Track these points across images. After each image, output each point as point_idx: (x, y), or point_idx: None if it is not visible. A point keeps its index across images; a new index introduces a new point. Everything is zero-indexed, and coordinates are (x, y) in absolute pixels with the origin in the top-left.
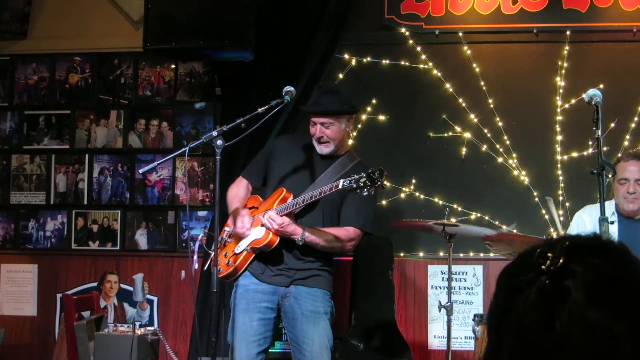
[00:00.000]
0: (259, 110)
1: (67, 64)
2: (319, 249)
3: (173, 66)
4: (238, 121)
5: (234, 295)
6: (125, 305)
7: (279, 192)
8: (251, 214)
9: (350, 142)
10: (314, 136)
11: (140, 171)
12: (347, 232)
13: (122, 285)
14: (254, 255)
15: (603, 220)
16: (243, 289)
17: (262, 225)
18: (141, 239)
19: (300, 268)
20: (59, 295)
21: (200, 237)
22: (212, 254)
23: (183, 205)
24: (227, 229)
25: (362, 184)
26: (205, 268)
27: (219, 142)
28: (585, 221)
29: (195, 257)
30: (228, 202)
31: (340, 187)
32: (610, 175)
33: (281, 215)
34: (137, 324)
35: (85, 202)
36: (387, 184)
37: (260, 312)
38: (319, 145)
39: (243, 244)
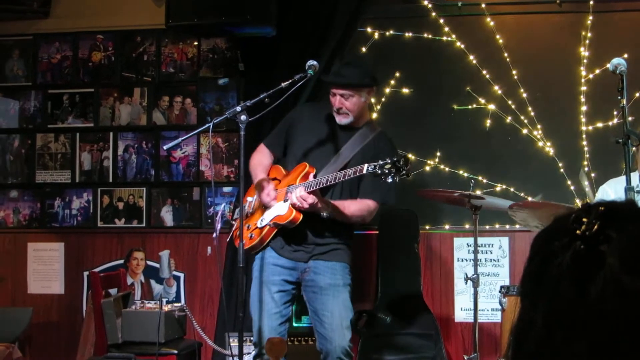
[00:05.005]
0: (282, 84)
1: (90, 42)
2: (340, 221)
3: (196, 43)
4: (261, 96)
5: (254, 267)
6: (152, 282)
7: (301, 167)
8: (274, 187)
9: (375, 115)
10: (334, 106)
11: (165, 147)
12: (367, 205)
13: (149, 262)
14: (276, 230)
15: (629, 189)
16: (263, 262)
17: (286, 201)
18: (167, 215)
19: (319, 243)
20: (85, 273)
21: (220, 213)
22: (235, 225)
23: (208, 181)
24: (249, 198)
25: (386, 171)
26: (228, 240)
27: (243, 117)
28: (609, 194)
29: (218, 226)
30: (252, 170)
31: (364, 171)
32: (635, 145)
33: (308, 193)
34: (164, 300)
35: (111, 180)
36: (409, 176)
37: (279, 285)
38: (338, 116)
39: (266, 218)
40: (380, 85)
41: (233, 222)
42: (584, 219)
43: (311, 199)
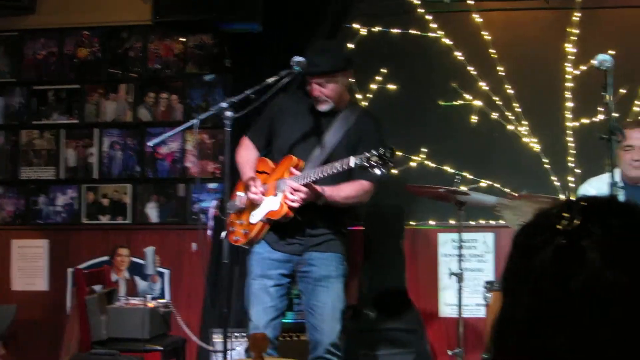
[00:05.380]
0: (268, 80)
1: (75, 39)
2: (336, 208)
3: (182, 39)
4: (247, 92)
5: (249, 262)
6: (137, 278)
7: (288, 160)
8: (263, 181)
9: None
10: (312, 95)
11: (149, 143)
12: (361, 185)
13: (134, 259)
14: (270, 224)
15: (614, 185)
16: (258, 257)
17: (276, 195)
18: (152, 212)
19: (313, 234)
20: (70, 270)
21: (211, 210)
22: (227, 221)
23: (193, 177)
24: (239, 194)
25: (374, 163)
26: (223, 236)
27: (229, 113)
28: (591, 193)
29: (210, 232)
30: (239, 167)
31: (352, 164)
32: (620, 141)
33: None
34: (149, 297)
35: (96, 177)
36: (394, 170)
37: (275, 279)
38: (318, 104)
39: (258, 214)
40: (353, 67)
41: (224, 219)
42: (566, 214)
43: (304, 189)
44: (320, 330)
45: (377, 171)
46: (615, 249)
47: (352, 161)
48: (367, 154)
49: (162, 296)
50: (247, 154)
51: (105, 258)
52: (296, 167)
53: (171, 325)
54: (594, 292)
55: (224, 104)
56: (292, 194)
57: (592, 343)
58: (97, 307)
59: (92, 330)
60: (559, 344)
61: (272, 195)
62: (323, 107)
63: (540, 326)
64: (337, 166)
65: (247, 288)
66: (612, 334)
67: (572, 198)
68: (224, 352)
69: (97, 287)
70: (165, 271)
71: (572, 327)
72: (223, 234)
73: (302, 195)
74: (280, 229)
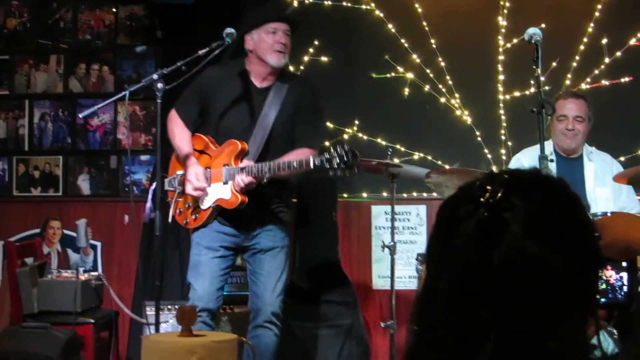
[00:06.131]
0: (200, 52)
1: (4, 9)
2: (283, 178)
3: (113, 9)
4: (179, 64)
5: (196, 234)
6: (69, 251)
7: (233, 145)
8: (205, 164)
9: None
10: (274, 45)
11: (81, 115)
12: (303, 153)
13: (65, 231)
14: (219, 211)
15: (543, 157)
16: (205, 229)
17: (225, 183)
18: (84, 184)
19: (262, 209)
20: (1, 243)
21: (145, 179)
22: (173, 202)
23: (125, 149)
24: (180, 172)
25: (335, 166)
26: (170, 220)
27: (160, 85)
28: (523, 164)
29: (149, 204)
30: (176, 146)
31: (311, 166)
32: (549, 113)
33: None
34: (81, 269)
35: (26, 149)
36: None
37: (220, 251)
38: (277, 55)
39: (209, 201)
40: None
41: (169, 200)
42: (489, 187)
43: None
44: (262, 299)
45: (339, 173)
46: (537, 221)
47: (312, 162)
48: (327, 155)
49: (94, 269)
50: (180, 132)
51: (36, 230)
52: (242, 152)
53: (103, 298)
54: (515, 263)
55: (155, 76)
56: (243, 187)
57: (513, 314)
58: (29, 280)
59: (24, 304)
60: (481, 314)
61: (220, 182)
62: (281, 61)
63: (462, 297)
64: (294, 164)
65: (191, 259)
66: (533, 305)
67: (496, 170)
68: (157, 324)
69: (29, 260)
70: (98, 244)
71: (494, 298)
72: (170, 216)
73: (252, 187)
74: (229, 210)
